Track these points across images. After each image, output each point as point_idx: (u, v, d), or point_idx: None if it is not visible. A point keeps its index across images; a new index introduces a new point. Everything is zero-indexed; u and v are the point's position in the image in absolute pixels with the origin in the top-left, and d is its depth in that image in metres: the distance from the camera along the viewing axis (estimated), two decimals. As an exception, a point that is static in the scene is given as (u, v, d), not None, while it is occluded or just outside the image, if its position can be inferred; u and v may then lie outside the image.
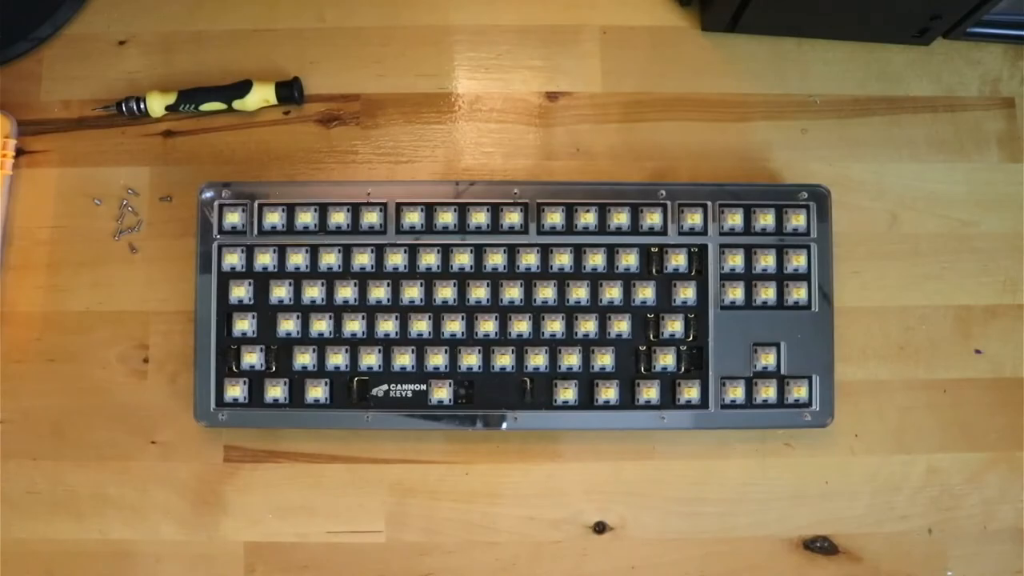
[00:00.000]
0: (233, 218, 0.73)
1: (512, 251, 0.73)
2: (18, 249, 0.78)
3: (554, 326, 0.73)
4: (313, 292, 0.73)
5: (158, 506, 0.75)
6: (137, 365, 0.76)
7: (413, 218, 0.73)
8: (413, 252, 0.73)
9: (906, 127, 0.80)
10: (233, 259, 0.73)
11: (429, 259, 0.73)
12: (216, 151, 0.79)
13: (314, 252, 0.73)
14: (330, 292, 0.73)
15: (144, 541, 0.75)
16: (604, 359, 0.73)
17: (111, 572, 0.75)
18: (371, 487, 0.75)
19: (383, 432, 0.75)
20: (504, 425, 0.72)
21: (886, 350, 0.77)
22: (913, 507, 0.76)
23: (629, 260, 0.73)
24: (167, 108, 0.78)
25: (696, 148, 0.79)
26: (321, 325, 0.73)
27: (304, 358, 0.72)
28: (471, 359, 0.72)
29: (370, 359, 0.72)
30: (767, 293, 0.73)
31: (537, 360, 0.72)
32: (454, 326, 0.73)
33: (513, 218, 0.73)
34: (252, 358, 0.73)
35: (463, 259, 0.73)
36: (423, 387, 0.72)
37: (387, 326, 0.73)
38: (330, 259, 0.73)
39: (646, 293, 0.73)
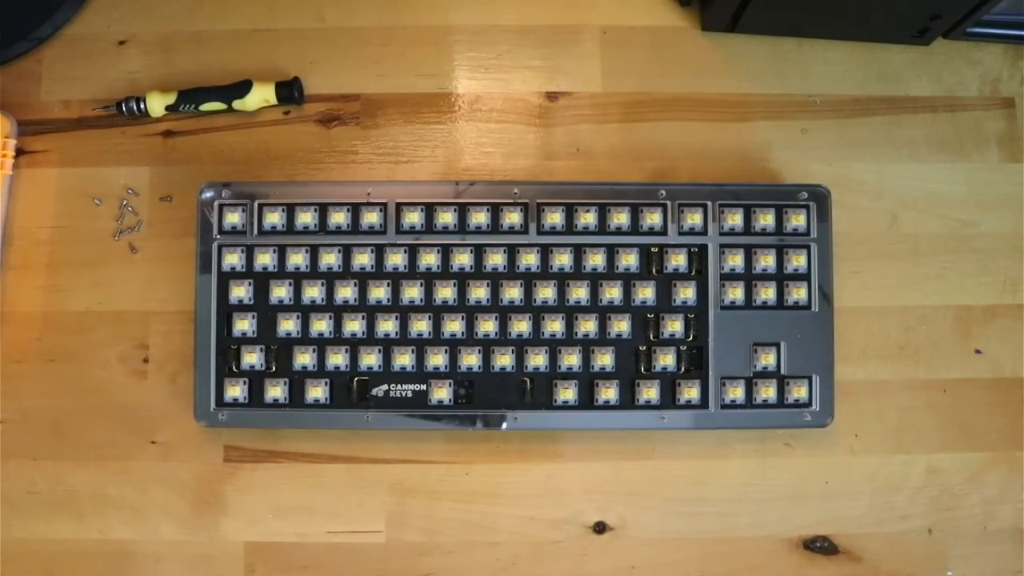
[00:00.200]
0: (233, 218, 0.73)
1: (512, 251, 0.73)
2: (18, 249, 0.78)
3: (554, 326, 0.73)
4: (313, 292, 0.73)
5: (158, 506, 0.75)
6: (137, 365, 0.76)
7: (413, 218, 0.73)
8: (413, 252, 0.73)
9: (906, 127, 0.80)
10: (233, 259, 0.73)
11: (429, 259, 0.73)
12: (216, 151, 0.79)
13: (314, 252, 0.73)
14: (330, 292, 0.73)
15: (144, 541, 0.75)
16: (604, 359, 0.73)
17: (111, 572, 0.75)
18: (371, 487, 0.75)
19: (383, 432, 0.75)
20: (504, 425, 0.72)
21: (886, 350, 0.77)
22: (913, 507, 0.76)
23: (629, 260, 0.73)
24: (167, 108, 0.78)
25: (696, 148, 0.79)
26: (321, 325, 0.73)
27: (304, 358, 0.72)
28: (471, 359, 0.72)
29: (370, 359, 0.72)
30: (767, 293, 0.73)
31: (537, 360, 0.72)
32: (454, 326, 0.73)
33: (513, 218, 0.73)
34: (252, 358, 0.73)
35: (463, 259, 0.73)
36: (423, 387, 0.72)
37: (387, 326, 0.73)
38: (330, 259, 0.73)
39: (646, 293, 0.73)
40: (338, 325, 0.73)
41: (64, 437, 0.75)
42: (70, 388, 0.76)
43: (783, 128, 0.80)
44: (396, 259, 0.73)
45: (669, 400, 0.73)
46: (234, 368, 0.73)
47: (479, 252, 0.73)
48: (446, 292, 0.73)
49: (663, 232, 0.74)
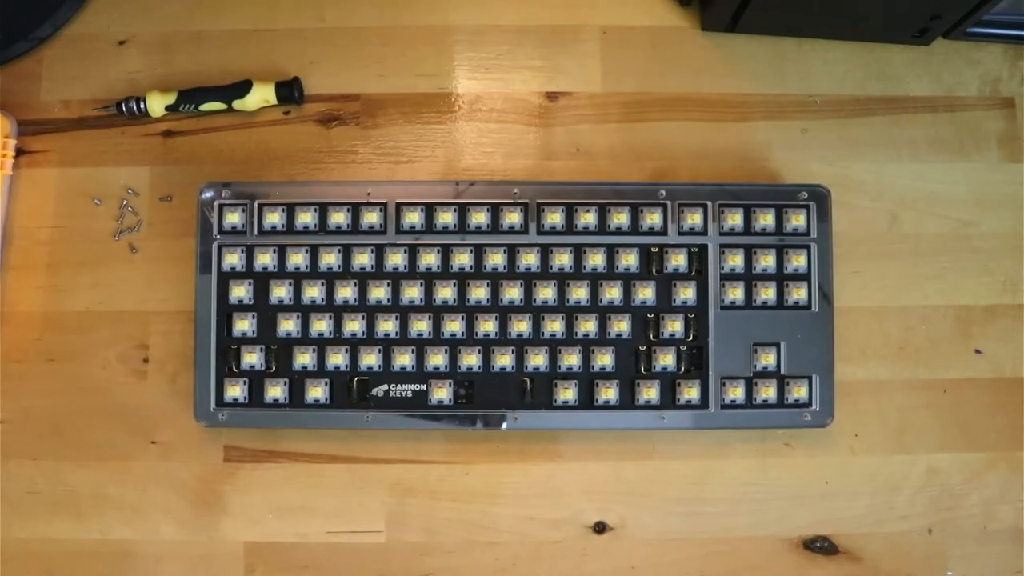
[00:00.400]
0: (233, 218, 0.73)
1: (512, 251, 0.73)
2: (18, 249, 0.78)
3: (554, 326, 0.73)
4: (313, 292, 0.73)
5: (158, 506, 0.75)
6: (137, 365, 0.76)
7: (413, 218, 0.73)
8: (413, 252, 0.73)
9: (906, 127, 0.80)
10: (233, 259, 0.73)
11: (429, 259, 0.73)
12: (216, 151, 0.79)
13: (314, 252, 0.73)
14: (330, 292, 0.73)
15: (144, 541, 0.75)
16: (604, 359, 0.73)
17: (111, 572, 0.75)
18: (371, 487, 0.75)
19: (383, 432, 0.75)
20: (504, 425, 0.72)
21: (886, 350, 0.77)
22: (913, 507, 0.76)
23: (629, 260, 0.73)
24: (167, 108, 0.78)
25: (696, 148, 0.79)
26: (321, 325, 0.73)
27: (304, 358, 0.72)
28: (471, 359, 0.72)
29: (370, 359, 0.72)
30: (767, 293, 0.73)
31: (537, 360, 0.72)
32: (454, 326, 0.73)
33: (513, 218, 0.73)
34: (252, 358, 0.73)
35: (463, 259, 0.73)
36: (423, 387, 0.72)
37: (387, 326, 0.73)
38: (330, 259, 0.73)
39: (646, 293, 0.73)
40: (338, 325, 0.73)
41: (64, 437, 0.75)
42: (70, 388, 0.76)
43: (783, 128, 0.80)
44: (396, 259, 0.73)
45: (669, 400, 0.73)
46: (234, 368, 0.73)
47: (479, 252, 0.73)
48: (446, 292, 0.73)
49: (663, 232, 0.74)
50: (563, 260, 0.73)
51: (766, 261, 0.73)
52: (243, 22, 0.81)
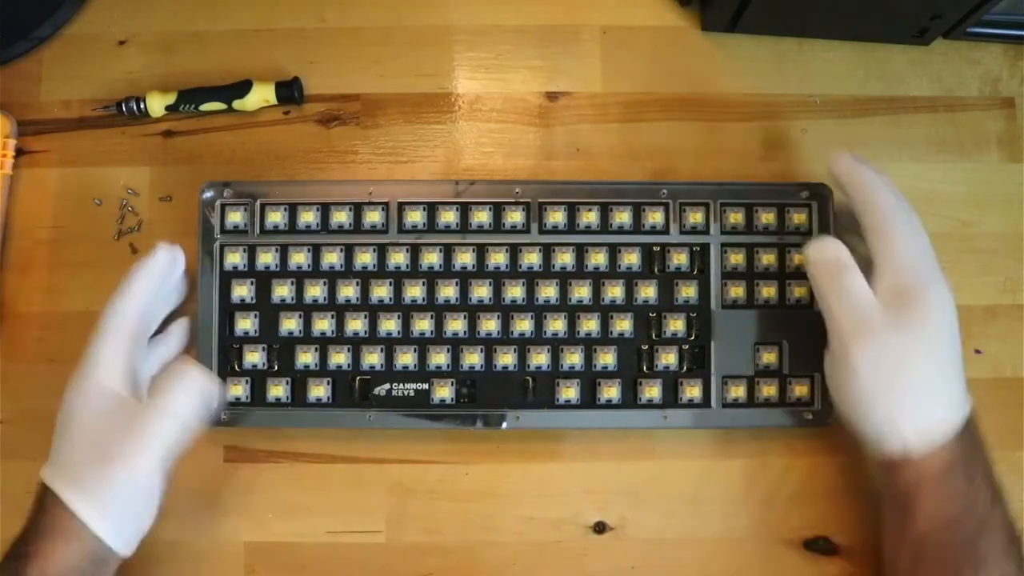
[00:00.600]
0: (235, 217, 0.73)
1: (514, 250, 0.73)
2: (18, 249, 0.77)
3: (556, 325, 0.73)
4: (315, 291, 0.73)
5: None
6: (137, 365, 0.76)
7: (415, 217, 0.73)
8: (415, 251, 0.73)
9: (906, 127, 0.80)
10: (235, 258, 0.73)
11: (431, 258, 0.73)
12: (216, 151, 0.79)
13: (316, 251, 0.73)
14: (332, 291, 0.73)
15: (144, 541, 0.74)
16: (606, 358, 0.73)
17: (111, 573, 0.74)
18: (371, 487, 0.75)
19: (383, 432, 0.74)
20: (506, 424, 0.72)
21: (887, 349, 0.77)
22: (914, 506, 0.76)
23: (631, 259, 0.73)
24: (167, 108, 0.78)
25: (696, 148, 0.79)
26: (323, 324, 0.72)
27: (306, 357, 0.72)
28: (473, 358, 0.72)
29: (372, 358, 0.72)
30: (769, 292, 0.73)
31: (539, 359, 0.72)
32: (456, 325, 0.73)
33: (515, 217, 0.73)
34: (254, 357, 0.72)
35: (465, 258, 0.73)
36: (425, 386, 0.72)
37: (389, 325, 0.72)
38: (332, 258, 0.73)
39: (648, 292, 0.73)
40: (340, 324, 0.73)
41: (64, 437, 0.75)
42: (70, 388, 0.76)
43: (783, 128, 0.80)
44: (398, 258, 0.73)
45: (671, 399, 0.73)
46: (236, 367, 0.73)
47: (481, 251, 0.73)
48: (448, 291, 0.73)
49: (665, 231, 0.74)
50: (565, 259, 0.73)
51: (768, 260, 0.74)
52: (243, 22, 0.81)
